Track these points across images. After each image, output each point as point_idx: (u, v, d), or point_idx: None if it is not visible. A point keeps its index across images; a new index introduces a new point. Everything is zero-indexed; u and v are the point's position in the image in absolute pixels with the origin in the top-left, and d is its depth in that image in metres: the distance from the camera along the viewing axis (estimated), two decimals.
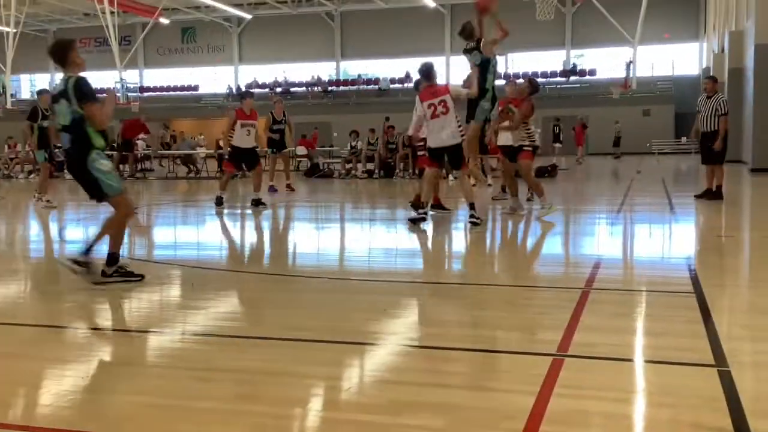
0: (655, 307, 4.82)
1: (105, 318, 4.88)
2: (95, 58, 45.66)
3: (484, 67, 9.39)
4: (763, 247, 7.64)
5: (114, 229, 5.50)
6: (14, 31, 32.66)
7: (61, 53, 5.36)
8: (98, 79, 45.13)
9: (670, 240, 8.37)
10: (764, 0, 18.39)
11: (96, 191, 5.44)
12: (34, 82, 47.73)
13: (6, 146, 25.69)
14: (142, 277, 5.55)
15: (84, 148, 5.32)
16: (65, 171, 22.21)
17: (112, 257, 5.46)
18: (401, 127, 18.90)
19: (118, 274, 5.46)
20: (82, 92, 5.26)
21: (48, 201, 11.89)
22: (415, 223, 8.50)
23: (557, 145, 26.39)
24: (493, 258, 7.49)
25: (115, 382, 3.40)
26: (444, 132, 8.48)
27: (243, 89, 44.00)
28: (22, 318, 4.78)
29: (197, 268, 6.49)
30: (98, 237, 5.48)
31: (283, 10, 40.28)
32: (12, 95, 41.90)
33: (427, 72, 8.78)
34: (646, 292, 5.27)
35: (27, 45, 38.75)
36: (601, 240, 8.22)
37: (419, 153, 11.03)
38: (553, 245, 8.15)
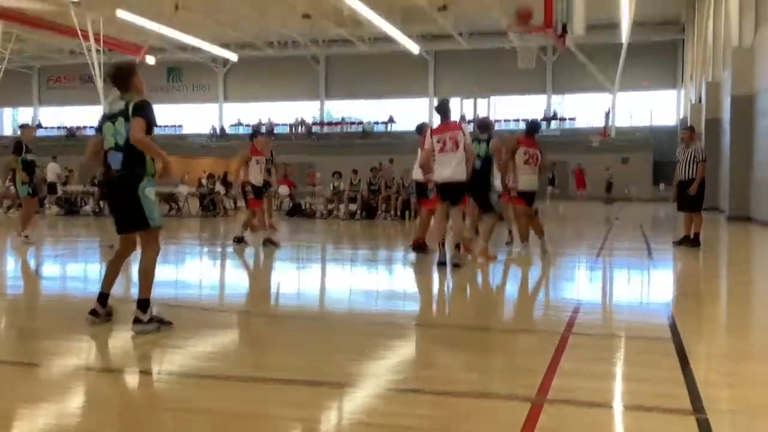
0: (634, 353, 4.84)
1: (82, 357, 4.80)
2: (79, 95, 45.87)
3: (488, 162, 9.34)
4: (740, 295, 7.72)
5: (151, 272, 5.14)
6: None
7: (124, 78, 5.19)
8: (81, 114, 45.37)
9: (648, 286, 8.43)
10: (740, 53, 18.89)
11: (136, 220, 5.08)
12: (17, 117, 47.60)
13: None
14: (171, 324, 5.21)
15: (138, 172, 5.06)
16: (48, 206, 22.18)
17: (145, 302, 5.07)
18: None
19: (155, 320, 5.11)
20: (146, 114, 5.06)
21: (26, 237, 11.76)
22: (443, 266, 8.50)
23: (550, 188, 26.87)
24: (474, 300, 7.49)
25: (87, 423, 3.33)
26: (450, 168, 8.52)
27: (224, 128, 44.26)
28: None
29: (177, 306, 6.43)
30: (144, 289, 5.08)
31: (268, 52, 40.71)
32: None
33: (443, 108, 8.86)
34: (626, 338, 5.29)
35: (10, 80, 38.76)
36: (581, 284, 8.26)
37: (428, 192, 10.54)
38: (533, 289, 8.17)
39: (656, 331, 5.32)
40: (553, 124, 40.77)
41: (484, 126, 9.81)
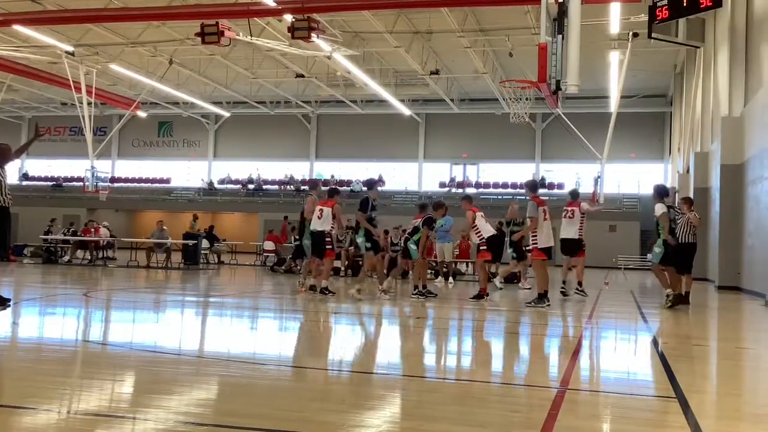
0: (634, 410, 4.52)
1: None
2: (68, 147, 45.77)
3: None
4: (737, 357, 7.43)
5: None
6: None
7: None
8: (69, 166, 45.14)
9: (643, 346, 8.13)
10: (730, 122, 19.06)
11: None
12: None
13: None
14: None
15: None
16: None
17: None
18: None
19: None
20: None
21: None
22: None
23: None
24: (469, 353, 7.15)
25: None
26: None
27: (213, 183, 44.14)
28: None
29: (154, 352, 6.08)
30: None
31: (261, 109, 40.94)
32: None
33: (534, 185, 12.21)
34: (625, 395, 4.97)
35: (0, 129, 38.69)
36: (575, 343, 7.95)
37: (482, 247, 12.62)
38: (527, 346, 7.85)
39: (657, 390, 5.01)
40: (542, 191, 40.94)
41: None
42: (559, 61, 10.18)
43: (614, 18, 20.60)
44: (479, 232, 12.39)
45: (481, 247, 12.53)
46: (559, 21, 10.24)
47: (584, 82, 12.85)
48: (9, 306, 8.60)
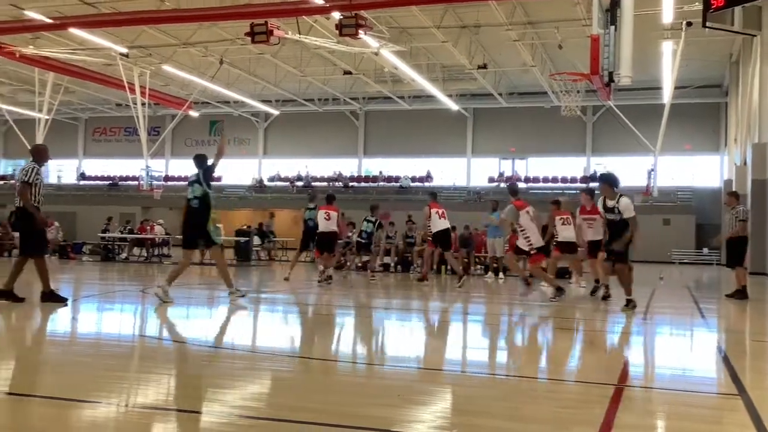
0: (694, 407, 4.42)
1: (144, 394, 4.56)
2: (123, 147, 46.90)
3: None
4: None
5: None
6: (47, 117, 33.53)
7: None
8: (124, 166, 46.28)
9: (702, 341, 7.95)
10: None
11: None
12: (62, 168, 48.54)
13: None
14: None
15: None
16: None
17: None
18: (420, 223, 18.83)
19: None
20: None
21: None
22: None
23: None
24: (522, 349, 7.10)
25: None
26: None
27: (263, 180, 44.68)
28: None
29: (208, 347, 6.19)
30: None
31: (309, 107, 41.26)
32: None
33: (514, 190, 11.70)
34: (683, 392, 4.86)
35: (58, 130, 39.78)
36: (631, 339, 7.81)
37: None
38: (582, 342, 7.76)
39: (719, 387, 4.89)
40: (594, 185, 40.28)
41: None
42: (611, 52, 10.00)
43: (667, 7, 20.12)
44: (528, 236, 11.06)
45: (532, 252, 11.18)
46: (612, 12, 10.06)
47: (636, 73, 12.62)
48: (66, 304, 8.85)
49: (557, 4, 23.56)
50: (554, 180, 40.39)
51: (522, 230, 10.96)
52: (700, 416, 4.17)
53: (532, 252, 11.01)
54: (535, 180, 40.71)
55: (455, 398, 4.62)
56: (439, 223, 13.93)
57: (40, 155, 9.04)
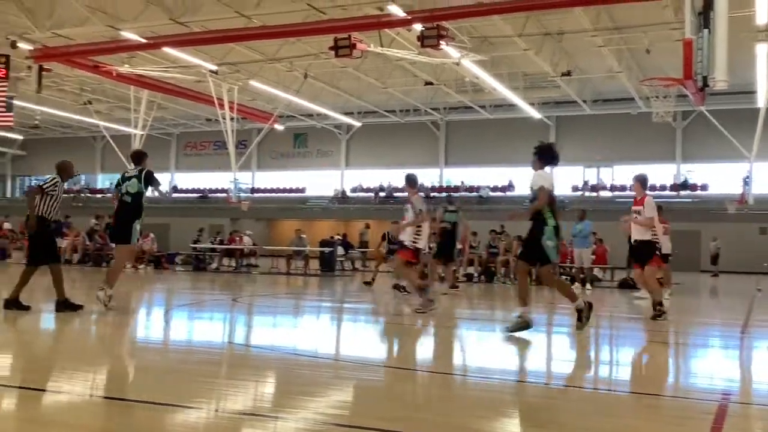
0: None
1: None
2: (213, 160, 48.43)
3: None
4: None
5: None
6: (142, 133, 35.01)
7: None
8: (214, 179, 47.82)
9: None
10: None
11: None
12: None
13: None
14: None
15: None
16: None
17: None
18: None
19: None
20: None
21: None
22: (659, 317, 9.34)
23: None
24: (619, 362, 6.96)
25: None
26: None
27: (345, 192, 45.26)
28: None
29: (295, 355, 6.34)
30: None
31: (391, 118, 41.58)
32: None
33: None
34: None
35: (151, 145, 41.41)
36: (732, 355, 7.54)
37: None
38: (682, 357, 7.53)
39: None
40: (684, 193, 38.94)
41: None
42: (705, 56, 9.70)
43: (762, 8, 19.31)
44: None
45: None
46: (705, 15, 9.76)
47: (728, 76, 12.19)
48: (81, 309, 8.74)
49: (644, 8, 22.93)
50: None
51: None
52: None
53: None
54: (622, 188, 39.64)
55: (552, 412, 4.58)
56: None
57: (65, 171, 9.11)
